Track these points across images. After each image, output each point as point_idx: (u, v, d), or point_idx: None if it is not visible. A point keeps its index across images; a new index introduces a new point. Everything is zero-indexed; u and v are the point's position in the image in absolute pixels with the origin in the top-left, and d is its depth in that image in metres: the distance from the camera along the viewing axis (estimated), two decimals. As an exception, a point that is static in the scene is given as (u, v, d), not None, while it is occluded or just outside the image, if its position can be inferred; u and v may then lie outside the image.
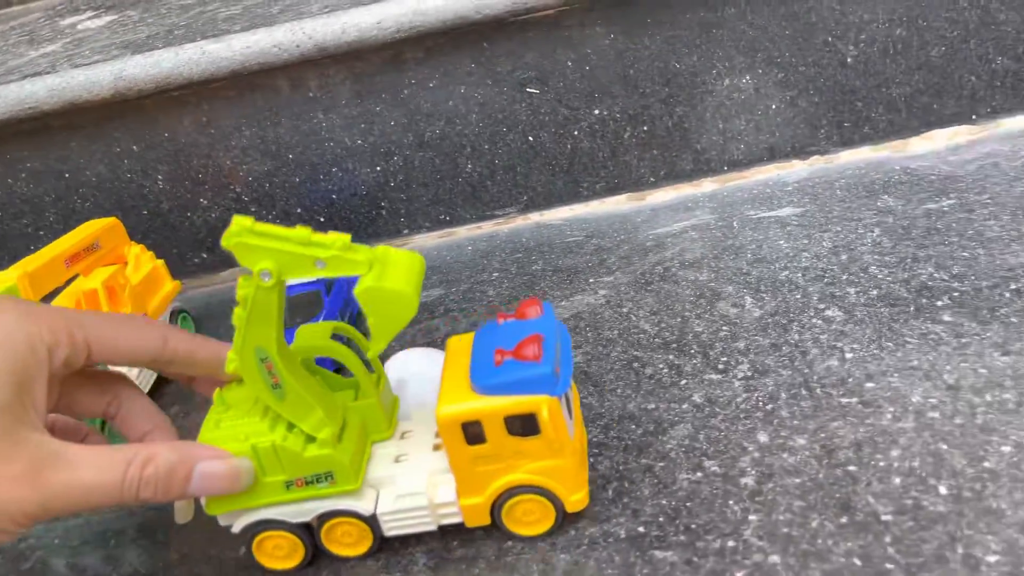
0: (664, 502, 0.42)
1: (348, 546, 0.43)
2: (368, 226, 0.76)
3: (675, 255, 0.64)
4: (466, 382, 0.40)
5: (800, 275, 0.58)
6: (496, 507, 0.41)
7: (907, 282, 0.54)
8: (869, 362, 0.48)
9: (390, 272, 0.37)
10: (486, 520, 0.41)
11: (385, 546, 0.43)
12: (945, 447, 0.41)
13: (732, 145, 0.73)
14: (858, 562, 0.37)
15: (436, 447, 0.43)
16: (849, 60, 0.70)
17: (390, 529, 0.42)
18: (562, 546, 0.41)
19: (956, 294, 0.52)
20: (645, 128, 0.73)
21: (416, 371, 0.49)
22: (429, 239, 0.76)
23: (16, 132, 0.72)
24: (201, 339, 0.42)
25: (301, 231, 0.36)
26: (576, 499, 0.41)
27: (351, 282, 0.65)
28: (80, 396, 0.41)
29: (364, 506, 0.41)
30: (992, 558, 0.35)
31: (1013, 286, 0.52)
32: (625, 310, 0.59)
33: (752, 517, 0.40)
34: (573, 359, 0.37)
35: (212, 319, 0.71)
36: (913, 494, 0.39)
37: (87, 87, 0.67)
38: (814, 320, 0.53)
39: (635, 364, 0.53)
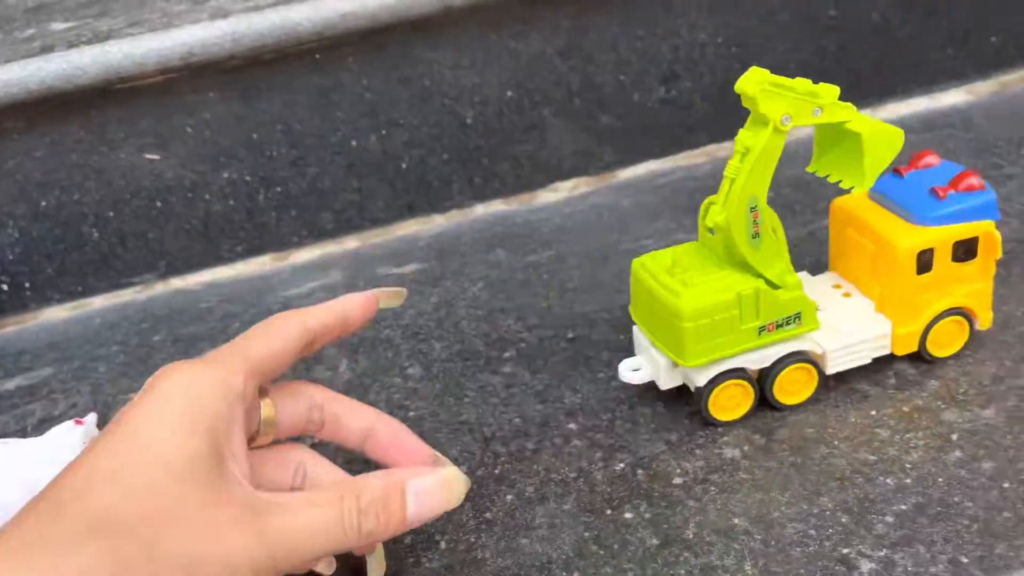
0: None
1: (794, 394, 0.46)
2: (-13, 302, 0.71)
3: (295, 318, 0.65)
4: (898, 223, 0.45)
5: (399, 333, 0.60)
6: (924, 334, 0.46)
7: (487, 335, 0.58)
8: (427, 420, 0.50)
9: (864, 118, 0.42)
10: (915, 347, 0.47)
11: None
12: (463, 503, 0.44)
13: (370, 203, 0.75)
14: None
15: (844, 295, 0.48)
16: (469, 121, 0.74)
17: (835, 366, 0.46)
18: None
19: (523, 345, 0.56)
20: (279, 189, 0.73)
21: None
22: (61, 312, 0.72)
23: None
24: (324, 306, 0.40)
25: (802, 82, 0.41)
26: (987, 317, 0.47)
27: None
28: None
29: (815, 346, 0.46)
30: (462, 611, 0.38)
31: (570, 335, 0.56)
32: (228, 380, 0.58)
33: None
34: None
35: None
36: (417, 551, 0.41)
37: None
38: (395, 379, 0.55)
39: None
